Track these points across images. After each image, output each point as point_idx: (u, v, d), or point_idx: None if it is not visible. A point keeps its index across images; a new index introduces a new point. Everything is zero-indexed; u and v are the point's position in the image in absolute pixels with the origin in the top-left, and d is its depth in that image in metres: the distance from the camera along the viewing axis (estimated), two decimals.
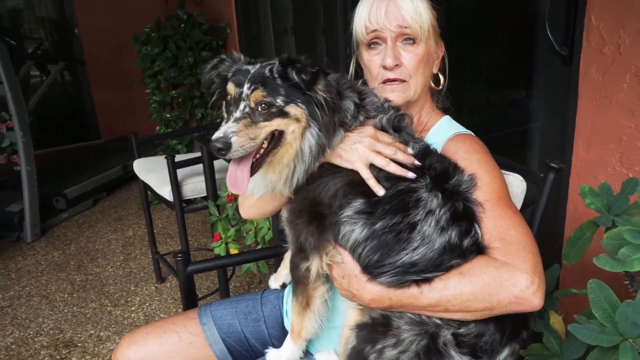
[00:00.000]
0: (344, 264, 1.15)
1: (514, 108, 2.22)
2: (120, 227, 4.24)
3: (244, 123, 1.08)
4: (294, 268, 1.23)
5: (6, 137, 3.89)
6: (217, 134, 1.06)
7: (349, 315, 1.18)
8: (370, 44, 1.32)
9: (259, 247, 2.36)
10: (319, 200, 1.15)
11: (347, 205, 1.11)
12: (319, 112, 1.10)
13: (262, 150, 1.13)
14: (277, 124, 1.11)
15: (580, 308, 1.66)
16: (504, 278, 1.02)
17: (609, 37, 1.57)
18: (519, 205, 1.32)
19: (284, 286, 1.53)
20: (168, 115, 4.27)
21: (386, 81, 1.30)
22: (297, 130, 1.11)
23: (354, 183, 1.13)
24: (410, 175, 1.12)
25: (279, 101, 1.10)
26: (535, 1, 1.98)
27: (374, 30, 1.29)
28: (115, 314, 3.04)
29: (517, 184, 1.32)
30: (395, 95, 1.30)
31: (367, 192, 1.11)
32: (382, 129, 1.20)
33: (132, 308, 3.09)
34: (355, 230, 1.10)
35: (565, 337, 1.28)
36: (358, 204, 1.11)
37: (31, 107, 4.11)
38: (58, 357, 2.68)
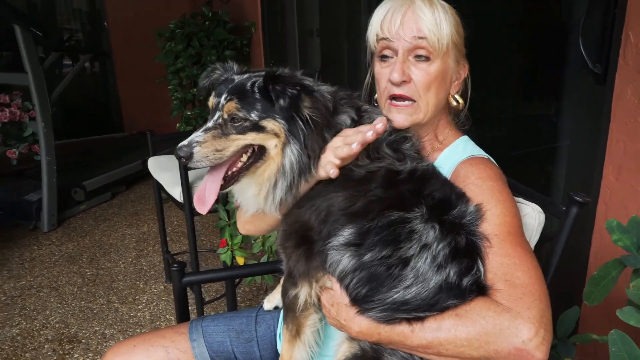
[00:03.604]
0: (333, 292, 1.07)
1: (540, 127, 2.09)
2: (135, 222, 4.23)
3: (213, 134, 1.05)
4: (284, 294, 1.16)
5: (29, 126, 3.91)
6: (183, 142, 1.03)
7: (339, 350, 1.10)
8: (382, 55, 1.20)
9: (266, 256, 2.29)
10: (309, 225, 1.08)
11: (335, 234, 1.03)
12: (303, 129, 1.04)
13: (239, 164, 1.08)
14: (251, 138, 1.06)
15: (602, 356, 1.53)
16: (504, 326, 0.91)
17: None
18: (535, 239, 1.20)
19: (277, 308, 1.45)
20: (189, 113, 4.24)
21: (392, 97, 1.19)
22: (278, 144, 1.06)
23: (345, 209, 1.05)
24: (378, 126, 1.03)
25: (253, 115, 1.05)
26: (568, 15, 1.85)
27: (385, 39, 1.17)
28: (122, 311, 3.01)
29: (534, 216, 1.20)
30: (401, 117, 1.18)
31: (357, 220, 1.03)
32: None
33: (139, 307, 3.05)
34: (342, 260, 1.02)
35: None
36: (347, 233, 1.02)
37: (54, 98, 4.11)
38: (61, 352, 2.66)
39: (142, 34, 5.46)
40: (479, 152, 1.24)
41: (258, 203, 1.13)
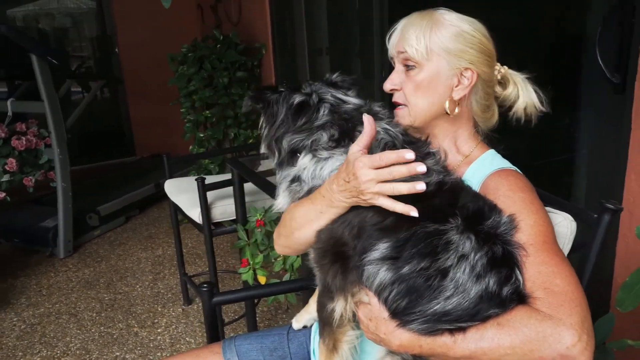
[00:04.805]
0: (371, 306, 1.07)
1: (560, 137, 2.10)
2: (150, 245, 4.24)
3: None
4: (320, 308, 1.16)
5: (45, 153, 3.96)
6: None
7: None
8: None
9: (288, 274, 2.29)
10: (343, 241, 1.09)
11: (371, 249, 1.03)
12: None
13: None
14: None
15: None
16: (547, 333, 0.92)
17: None
18: (568, 247, 1.21)
19: (305, 327, 1.47)
20: (202, 135, 4.28)
21: (393, 104, 1.30)
22: None
23: (377, 224, 1.06)
24: (420, 187, 0.99)
25: None
26: (584, 27, 1.87)
27: (391, 57, 1.31)
28: (142, 335, 3.00)
29: (566, 225, 1.21)
30: (399, 118, 1.28)
31: (391, 234, 1.03)
32: None
33: (159, 330, 3.05)
34: (380, 273, 1.02)
35: None
36: (382, 247, 1.02)
37: (69, 125, 4.17)
38: None
39: (152, 59, 5.56)
40: (506, 164, 1.25)
41: None
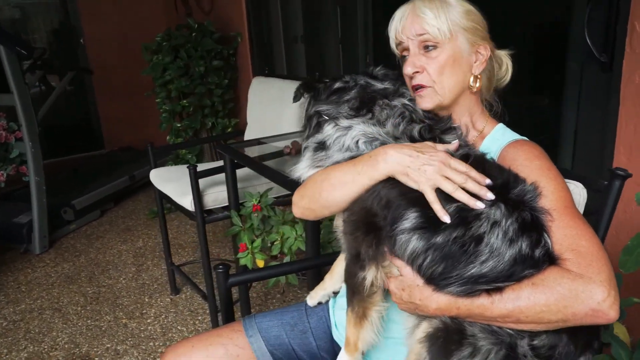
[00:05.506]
0: (403, 277, 1.12)
1: (548, 115, 2.20)
2: (129, 237, 4.18)
3: None
4: (350, 277, 1.20)
5: (15, 147, 3.84)
6: None
7: (417, 329, 1.15)
8: (402, 57, 1.33)
9: (288, 256, 2.32)
10: (373, 211, 1.14)
11: (401, 218, 1.08)
12: None
13: None
14: None
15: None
16: (579, 290, 0.99)
17: None
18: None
19: (320, 304, 1.52)
20: (178, 125, 4.23)
21: (413, 88, 1.29)
22: None
23: (405, 194, 1.11)
24: (479, 205, 1.06)
25: None
26: (573, 9, 1.97)
27: (400, 43, 1.31)
28: (131, 326, 2.98)
29: (578, 192, 1.29)
30: (424, 101, 1.28)
31: (419, 204, 1.08)
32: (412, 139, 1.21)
33: (148, 320, 3.04)
34: (412, 241, 1.08)
35: (630, 347, 1.26)
36: (412, 217, 1.08)
37: (40, 117, 4.04)
38: None
39: (120, 49, 5.43)
40: (517, 136, 1.32)
41: None
